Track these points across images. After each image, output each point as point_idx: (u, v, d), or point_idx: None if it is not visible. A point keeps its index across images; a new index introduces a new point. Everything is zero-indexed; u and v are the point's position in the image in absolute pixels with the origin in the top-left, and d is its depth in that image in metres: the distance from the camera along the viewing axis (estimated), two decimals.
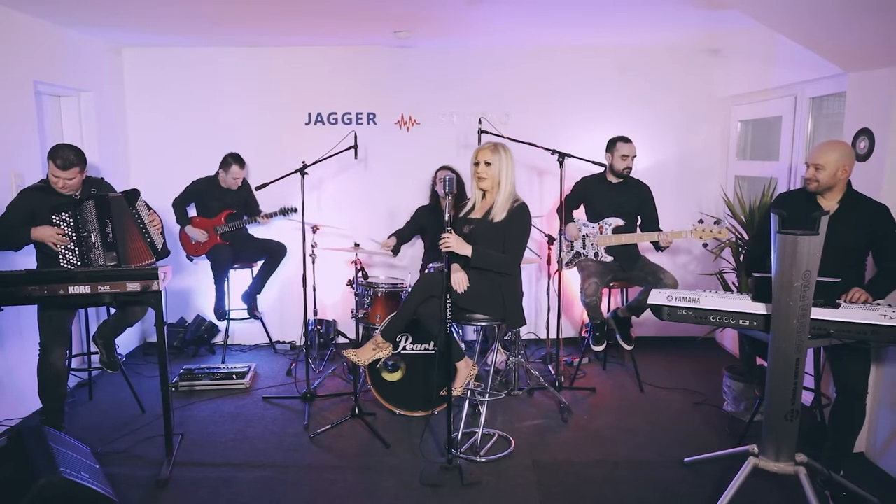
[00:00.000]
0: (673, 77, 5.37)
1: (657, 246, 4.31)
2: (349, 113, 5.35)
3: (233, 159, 4.89)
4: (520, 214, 3.31)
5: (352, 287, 4.40)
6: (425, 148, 5.36)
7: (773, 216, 2.49)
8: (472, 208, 3.49)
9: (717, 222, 4.11)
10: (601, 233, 4.41)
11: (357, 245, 4.38)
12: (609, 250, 4.38)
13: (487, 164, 3.30)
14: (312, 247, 4.60)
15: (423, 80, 5.33)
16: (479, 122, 4.47)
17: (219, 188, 5.01)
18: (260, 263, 5.14)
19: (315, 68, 5.32)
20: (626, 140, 4.29)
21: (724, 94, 5.32)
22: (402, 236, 4.97)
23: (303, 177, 4.06)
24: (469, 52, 5.30)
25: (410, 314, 3.34)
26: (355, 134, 4.39)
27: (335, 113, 5.35)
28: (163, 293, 3.24)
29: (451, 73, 5.33)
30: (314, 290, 4.70)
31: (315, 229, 4.64)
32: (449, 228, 3.13)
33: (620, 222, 4.36)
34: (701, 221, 4.13)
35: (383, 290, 4.42)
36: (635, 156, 4.33)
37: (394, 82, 5.33)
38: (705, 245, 4.20)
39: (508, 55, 5.30)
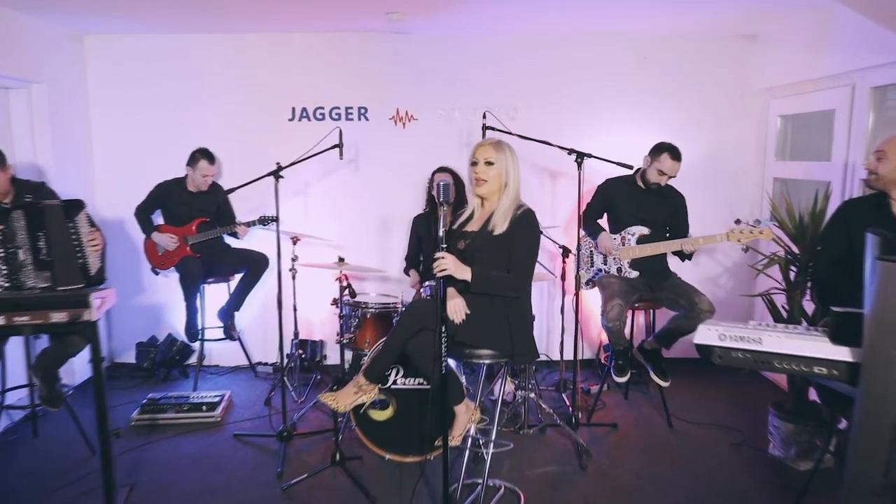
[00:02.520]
0: (702, 67, 4.77)
1: (681, 255, 3.70)
2: (337, 107, 4.77)
3: (201, 154, 4.33)
4: (525, 223, 2.73)
5: (336, 307, 3.83)
6: (423, 147, 4.77)
7: (872, 237, 1.89)
8: (469, 218, 2.91)
9: (757, 222, 3.51)
10: (623, 244, 3.82)
11: (341, 260, 3.79)
12: (634, 265, 3.78)
13: (489, 163, 2.73)
14: (292, 260, 4.02)
15: (421, 70, 4.74)
16: (484, 116, 3.87)
17: (187, 192, 4.44)
18: (238, 277, 4.56)
19: (299, 58, 4.74)
20: (675, 156, 3.68)
21: (760, 85, 4.71)
22: (414, 260, 4.42)
23: (277, 180, 3.48)
24: (472, 39, 4.71)
25: (398, 350, 2.76)
26: (340, 130, 3.81)
27: (322, 108, 4.77)
28: (100, 322, 2.67)
29: (452, 63, 4.74)
30: (294, 309, 4.11)
31: (295, 240, 4.06)
32: (444, 246, 2.54)
33: (645, 231, 3.77)
34: (738, 222, 3.53)
35: (373, 310, 3.84)
36: (674, 176, 3.73)
37: (388, 73, 4.75)
38: (745, 249, 3.59)
39: (516, 43, 4.71)
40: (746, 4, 3.83)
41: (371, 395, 2.87)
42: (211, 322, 4.67)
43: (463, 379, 3.13)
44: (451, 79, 4.74)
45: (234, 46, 4.72)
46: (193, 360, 4.84)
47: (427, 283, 3.91)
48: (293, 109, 4.77)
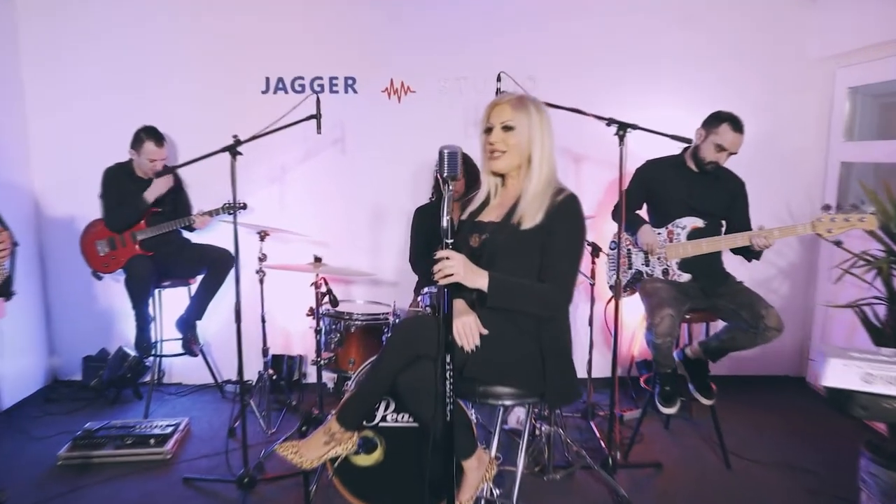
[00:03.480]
0: (751, 32, 4.01)
1: (748, 253, 2.95)
2: (320, 78, 4.01)
3: (146, 134, 3.57)
4: (568, 213, 2.00)
5: (313, 319, 3.07)
6: (422, 125, 4.01)
7: None
8: (484, 205, 2.16)
9: (854, 208, 2.76)
10: (671, 240, 3.06)
11: (318, 260, 3.02)
12: (684, 265, 3.02)
13: (508, 127, 2.01)
14: (260, 260, 3.27)
15: (420, 34, 3.98)
16: (498, 79, 3.11)
17: (134, 178, 3.69)
18: (200, 279, 3.81)
19: (274, 18, 3.98)
20: (737, 127, 2.95)
21: (822, 52, 3.95)
22: (422, 260, 3.65)
23: (234, 158, 2.72)
24: (477, 5, 3.96)
25: (385, 386, 2.00)
26: (318, 98, 3.05)
27: (301, 78, 4.01)
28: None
29: (458, 26, 3.98)
30: (263, 320, 3.35)
31: (264, 236, 3.30)
32: (448, 241, 1.78)
33: (699, 223, 3.02)
34: (828, 208, 2.78)
35: (359, 323, 3.10)
36: (735, 153, 2.98)
37: (380, 37, 3.99)
38: (838, 243, 2.83)
39: (535, 4, 3.95)
40: None
41: (347, 446, 2.11)
42: (170, 333, 3.92)
43: (474, 417, 2.37)
44: (456, 44, 3.98)
45: (198, 6, 3.96)
46: (149, 376, 4.07)
47: (426, 289, 3.15)
48: (267, 80, 4.01)
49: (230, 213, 3.53)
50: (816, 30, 3.94)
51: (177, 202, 3.85)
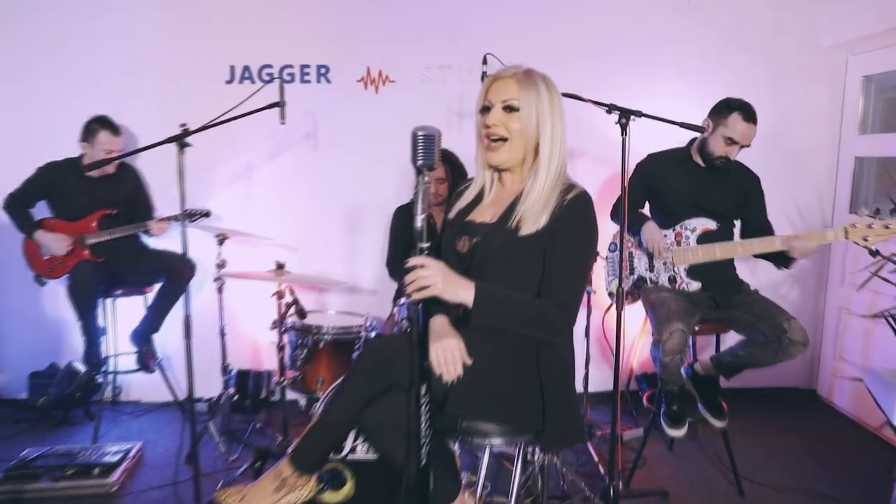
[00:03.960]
0: (757, 17, 3.71)
1: (779, 260, 2.64)
2: (290, 66, 3.66)
3: (99, 124, 3.23)
4: (577, 216, 1.66)
5: (278, 332, 2.72)
6: (403, 117, 3.66)
7: None
8: (476, 202, 1.82)
9: (878, 211, 2.46)
10: (679, 243, 2.74)
11: (280, 267, 2.67)
12: (693, 272, 2.71)
13: (511, 108, 1.67)
14: (218, 267, 2.91)
15: (400, 19, 3.64)
16: (485, 62, 2.76)
17: (85, 176, 3.32)
18: (157, 288, 3.44)
19: (241, 2, 3.62)
20: (749, 116, 2.64)
21: (834, 39, 3.66)
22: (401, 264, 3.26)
23: (182, 150, 2.36)
24: None
25: (348, 422, 1.65)
26: (281, 85, 2.70)
27: (269, 66, 3.65)
28: None
29: (441, 11, 3.64)
30: (222, 333, 3.00)
31: (223, 239, 2.95)
32: (424, 246, 1.45)
33: (710, 225, 2.70)
34: (878, 212, 2.48)
35: (329, 337, 2.75)
36: (748, 145, 2.67)
37: (356, 21, 3.65)
38: (875, 253, 2.51)
39: None
40: None
41: (303, 494, 1.75)
42: (125, 346, 3.55)
43: (457, 451, 2.03)
44: (440, 29, 3.64)
45: None
46: (104, 394, 3.69)
47: (404, 299, 2.81)
48: (231, 69, 3.65)
49: (191, 220, 3.19)
50: (825, 13, 3.65)
51: (135, 204, 3.49)
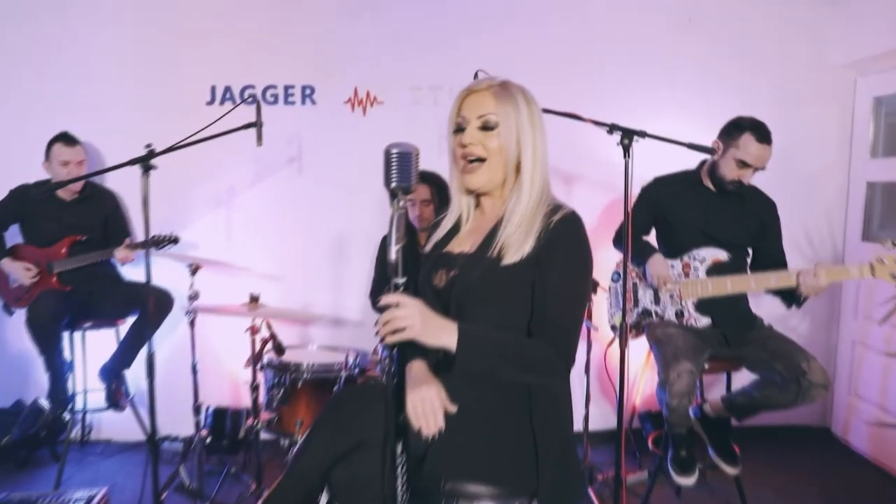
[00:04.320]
0: (760, 35, 3.56)
1: (789, 297, 2.44)
2: (273, 86, 3.50)
3: (54, 139, 3.09)
4: (567, 239, 1.46)
5: (252, 370, 2.51)
6: (391, 140, 3.37)
7: None
8: (454, 231, 1.63)
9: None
10: (686, 275, 2.54)
11: (255, 300, 2.46)
12: (702, 306, 2.50)
13: (487, 127, 1.49)
14: (190, 299, 2.70)
15: (388, 38, 3.49)
16: (476, 77, 2.59)
17: (57, 200, 3.16)
18: (130, 321, 3.23)
19: (220, 18, 3.48)
20: (763, 137, 2.46)
21: (843, 59, 3.52)
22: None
23: (147, 172, 2.18)
24: None
25: (312, 483, 1.43)
26: (258, 104, 2.52)
27: (252, 86, 3.49)
28: None
29: (432, 29, 3.49)
30: (194, 370, 2.78)
31: (195, 269, 2.74)
32: (399, 282, 1.25)
33: (721, 256, 2.51)
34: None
35: (308, 376, 2.54)
36: (762, 168, 2.49)
37: (343, 40, 3.49)
38: None
39: (519, 3, 3.48)
40: None
41: None
42: (96, 382, 3.32)
43: None
44: (431, 48, 3.49)
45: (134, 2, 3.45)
46: (72, 433, 3.45)
47: (379, 344, 2.61)
48: (213, 89, 3.49)
49: (158, 248, 3.00)
50: (834, 32, 3.51)
51: (110, 230, 3.30)
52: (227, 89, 3.48)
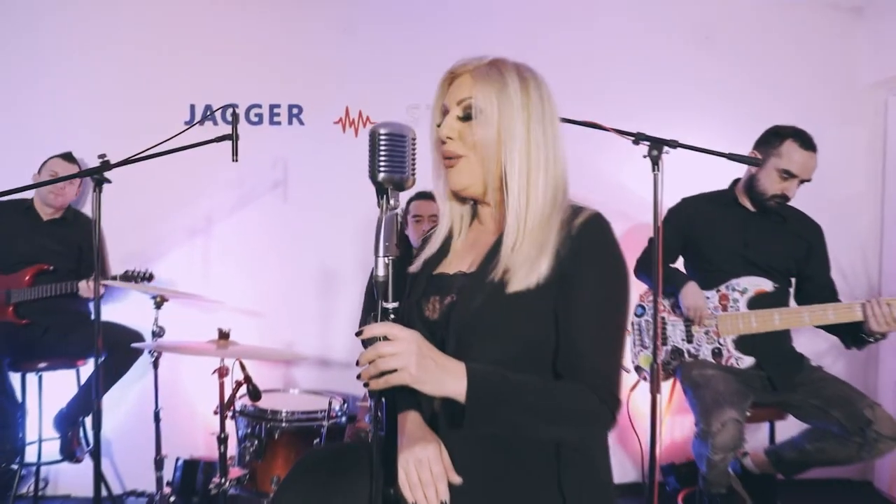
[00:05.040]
0: (786, 52, 3.31)
1: (851, 335, 2.12)
2: (258, 105, 3.23)
3: (58, 154, 2.89)
4: (597, 247, 1.14)
5: (222, 419, 2.15)
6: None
7: None
8: (445, 248, 1.31)
9: None
10: (724, 308, 2.22)
11: (224, 337, 2.12)
12: (744, 345, 2.18)
13: (467, 116, 1.17)
14: (155, 335, 2.37)
15: (382, 54, 3.24)
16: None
17: (29, 220, 2.91)
18: (93, 363, 2.87)
19: (201, 32, 3.23)
20: (806, 143, 2.23)
21: (873, 77, 3.27)
22: None
23: (99, 188, 1.87)
24: (456, 9, 3.25)
25: None
26: (235, 113, 2.24)
27: (234, 105, 3.15)
28: None
29: (428, 44, 3.24)
30: (157, 418, 2.42)
31: (160, 302, 2.41)
32: (389, 307, 0.93)
33: (765, 286, 2.19)
34: None
35: (287, 425, 2.20)
36: (808, 180, 2.21)
37: (334, 56, 3.23)
38: None
39: (522, 17, 3.26)
40: None
41: None
42: (49, 432, 2.96)
43: None
44: (428, 64, 3.17)
45: (107, 12, 3.20)
46: (25, 487, 3.07)
47: (364, 391, 2.27)
48: (192, 108, 3.21)
49: (131, 281, 2.67)
50: (863, 49, 3.28)
51: (83, 260, 2.98)
52: (208, 108, 3.21)
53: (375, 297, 0.95)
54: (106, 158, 1.89)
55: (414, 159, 0.96)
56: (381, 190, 0.93)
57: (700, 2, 3.29)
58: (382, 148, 0.91)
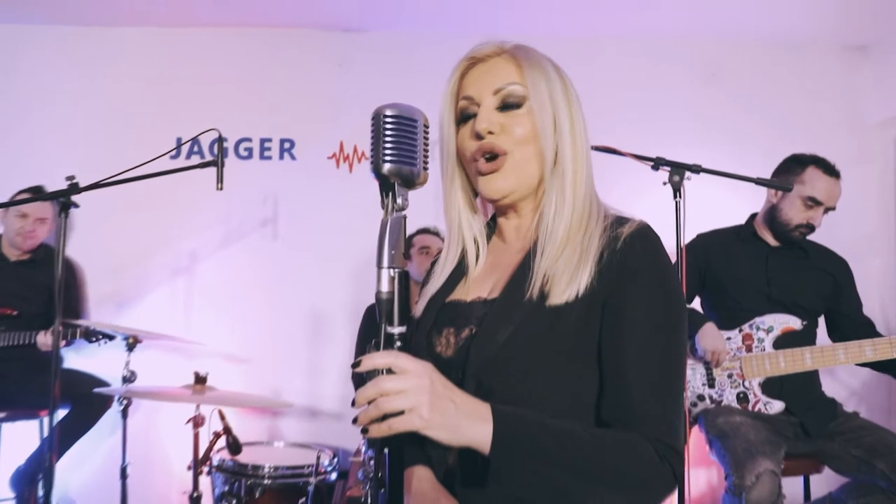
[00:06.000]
0: (791, 91, 3.25)
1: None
2: (248, 139, 3.10)
3: (27, 189, 2.65)
4: (647, 261, 0.93)
5: (195, 475, 1.93)
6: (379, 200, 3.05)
7: None
8: (459, 274, 1.09)
9: None
10: (749, 349, 2.05)
11: (202, 381, 1.91)
12: (771, 388, 1.99)
13: (510, 105, 0.99)
14: (125, 380, 2.15)
15: (380, 86, 3.13)
16: None
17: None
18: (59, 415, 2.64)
19: (191, 64, 3.13)
20: (829, 170, 2.14)
21: (880, 115, 3.19)
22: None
23: (65, 213, 1.70)
24: (454, 41, 3.12)
25: None
26: (220, 137, 2.10)
27: (224, 140, 3.05)
28: None
29: (426, 77, 3.09)
30: (123, 474, 2.18)
31: (133, 343, 2.20)
32: (395, 332, 0.75)
33: (794, 324, 2.02)
34: None
35: (270, 482, 1.97)
36: (832, 208, 2.08)
37: (329, 90, 3.14)
38: None
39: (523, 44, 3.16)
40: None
41: None
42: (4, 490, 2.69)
43: None
44: (426, 97, 3.07)
45: (91, 43, 3.11)
46: None
47: (362, 439, 2.05)
48: (179, 141, 3.07)
49: (90, 341, 2.46)
50: (870, 87, 3.21)
51: (53, 305, 2.77)
52: (196, 143, 3.08)
53: (378, 319, 0.77)
54: (75, 181, 1.72)
55: (426, 151, 0.80)
56: (386, 185, 0.77)
57: (707, 39, 3.22)
58: (388, 133, 0.75)
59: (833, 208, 2.10)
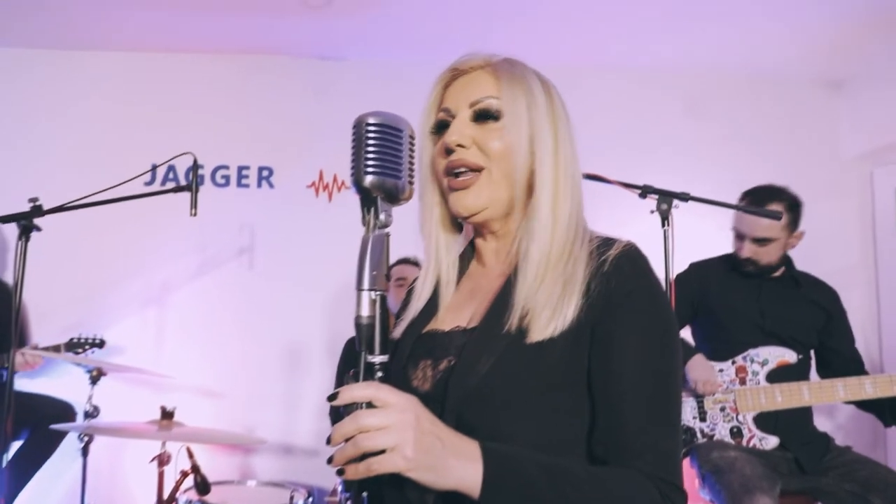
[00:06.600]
0: (773, 125, 3.28)
1: (889, 412, 1.91)
2: (225, 167, 3.04)
3: None
4: (638, 286, 0.87)
5: None
6: (361, 231, 2.98)
7: None
8: (433, 303, 1.01)
9: None
10: (743, 381, 2.00)
11: (168, 416, 1.80)
12: (765, 422, 1.94)
13: (486, 115, 0.93)
14: (88, 415, 2.03)
15: (358, 114, 3.08)
16: None
17: None
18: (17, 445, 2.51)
19: (169, 91, 3.08)
20: (756, 200, 2.11)
21: (856, 149, 3.24)
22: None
23: (26, 237, 1.61)
24: (434, 70, 3.10)
25: None
26: (195, 160, 2.04)
27: (200, 167, 2.99)
28: None
29: (409, 103, 3.09)
30: None
31: (97, 376, 2.09)
32: (376, 361, 0.68)
33: (789, 357, 1.98)
34: None
35: None
36: (766, 239, 2.07)
37: (307, 118, 3.10)
38: None
39: None
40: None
41: None
42: None
43: None
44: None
45: (67, 67, 3.05)
46: None
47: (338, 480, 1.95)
48: (154, 167, 3.00)
49: (75, 352, 2.36)
50: (845, 122, 3.26)
51: (6, 329, 2.64)
52: (171, 169, 3.01)
53: (357, 347, 0.70)
54: (38, 203, 1.63)
55: (411, 164, 0.74)
56: (367, 200, 0.71)
57: (690, 71, 3.25)
58: (371, 142, 0.69)
59: (768, 239, 2.07)
